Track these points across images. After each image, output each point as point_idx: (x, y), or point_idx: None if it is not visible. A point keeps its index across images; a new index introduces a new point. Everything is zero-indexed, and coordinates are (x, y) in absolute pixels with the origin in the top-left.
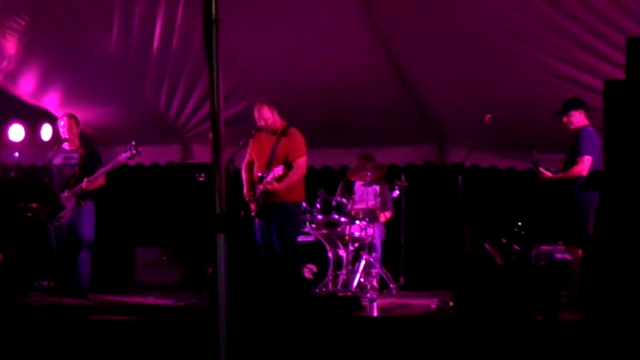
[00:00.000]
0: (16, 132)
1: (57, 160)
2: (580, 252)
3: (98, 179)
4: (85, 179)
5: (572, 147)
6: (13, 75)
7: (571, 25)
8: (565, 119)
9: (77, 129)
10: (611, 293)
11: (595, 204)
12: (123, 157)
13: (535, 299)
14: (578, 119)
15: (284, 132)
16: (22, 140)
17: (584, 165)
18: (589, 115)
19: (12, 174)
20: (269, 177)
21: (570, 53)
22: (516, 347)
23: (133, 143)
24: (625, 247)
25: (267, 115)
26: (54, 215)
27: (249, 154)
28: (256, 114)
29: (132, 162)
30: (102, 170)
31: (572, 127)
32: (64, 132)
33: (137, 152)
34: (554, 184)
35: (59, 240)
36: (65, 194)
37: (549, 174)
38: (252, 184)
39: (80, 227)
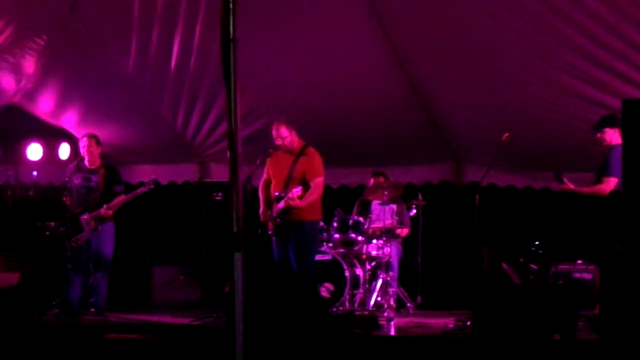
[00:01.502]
0: (34, 151)
1: (76, 180)
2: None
3: (118, 203)
4: (105, 206)
5: (602, 165)
6: (31, 94)
7: (589, 44)
8: (599, 135)
9: (98, 148)
10: (630, 313)
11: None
12: (140, 190)
13: (553, 318)
14: (612, 136)
15: (302, 152)
16: (41, 159)
17: (608, 185)
18: None
19: (31, 193)
20: (289, 196)
21: (588, 72)
22: None
23: (153, 178)
24: None
25: (285, 135)
26: (72, 236)
27: (267, 172)
28: (274, 133)
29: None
30: (121, 199)
31: (605, 144)
32: (84, 152)
33: (156, 189)
34: (579, 199)
35: (77, 259)
36: (85, 216)
37: (571, 185)
38: (269, 203)
39: (100, 248)
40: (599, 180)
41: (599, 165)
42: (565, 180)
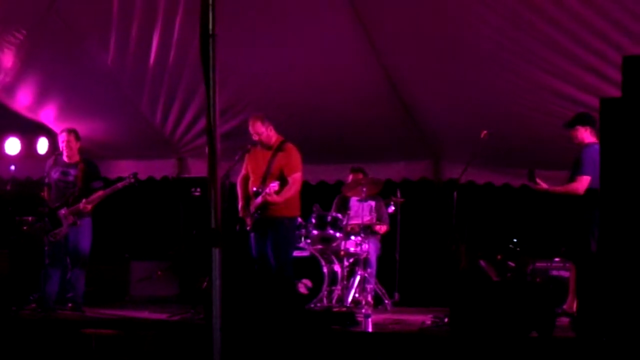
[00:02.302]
0: (12, 145)
1: (55, 175)
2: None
3: (97, 198)
4: (84, 200)
5: (575, 164)
6: (10, 88)
7: (568, 42)
8: (572, 132)
9: (77, 143)
10: (608, 311)
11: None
12: (121, 184)
13: (531, 315)
14: (583, 134)
15: (280, 147)
16: (18, 154)
17: (582, 184)
18: (597, 133)
19: (8, 187)
20: (266, 192)
21: (567, 70)
22: None
23: (133, 173)
24: (621, 264)
25: (261, 130)
26: (50, 231)
27: (245, 168)
28: (250, 129)
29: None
30: (100, 194)
31: (576, 141)
32: (63, 147)
33: (136, 183)
34: (554, 198)
35: (54, 254)
36: (63, 211)
37: (544, 185)
38: (247, 198)
39: (77, 243)
40: (572, 179)
41: (571, 164)
42: (537, 180)
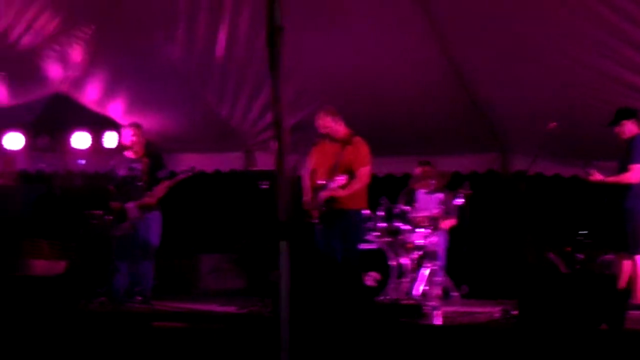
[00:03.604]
0: (81, 140)
1: (121, 170)
2: (625, 262)
3: (161, 191)
4: (148, 194)
5: (626, 154)
6: (78, 83)
7: (638, 33)
8: (617, 129)
9: (142, 137)
10: None
11: None
12: (183, 175)
13: (600, 308)
14: (630, 128)
15: (348, 141)
16: (87, 148)
17: (635, 173)
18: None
19: (77, 181)
20: (333, 185)
21: (636, 61)
22: (580, 357)
23: (191, 167)
24: None
25: (329, 124)
26: (118, 225)
27: (312, 161)
28: (318, 122)
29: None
30: (162, 187)
31: (625, 136)
32: (128, 141)
33: (193, 173)
34: (606, 189)
35: (122, 247)
36: (130, 205)
37: (599, 176)
38: (315, 191)
39: (146, 236)
40: (624, 169)
41: (622, 155)
42: (591, 171)
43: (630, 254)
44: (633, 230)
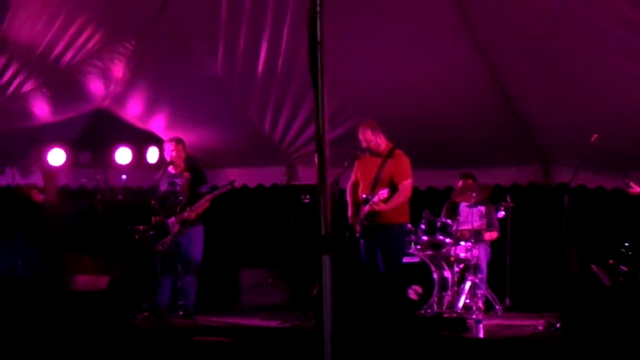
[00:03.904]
0: (123, 155)
1: (162, 185)
2: None
3: (201, 205)
4: (188, 209)
5: None
6: (120, 98)
7: None
8: None
9: (183, 152)
10: None
11: None
12: (218, 192)
13: None
14: None
15: (389, 154)
16: (130, 163)
17: None
18: None
19: (120, 197)
20: (375, 199)
21: None
22: None
23: (231, 181)
24: None
25: (370, 138)
26: (159, 240)
27: (354, 175)
28: (360, 136)
29: (237, 184)
30: (202, 202)
31: None
32: (169, 156)
33: (232, 188)
34: None
35: (165, 262)
36: (172, 219)
37: (638, 188)
38: (357, 205)
39: (188, 251)
40: None
41: None
42: (631, 184)
43: None
44: None
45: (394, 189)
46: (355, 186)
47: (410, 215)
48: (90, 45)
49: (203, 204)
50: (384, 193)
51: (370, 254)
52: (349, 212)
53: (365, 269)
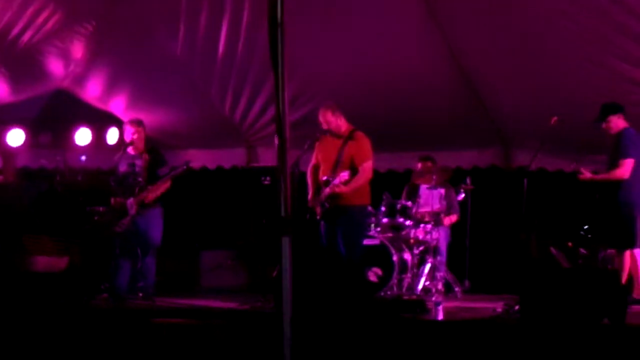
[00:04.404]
0: (83, 136)
1: (122, 166)
2: (625, 256)
3: (159, 188)
4: (147, 190)
5: (614, 150)
6: (80, 79)
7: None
8: (604, 125)
9: (143, 134)
10: None
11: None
12: (176, 172)
13: (602, 302)
14: (617, 122)
15: (350, 136)
16: (89, 144)
17: (626, 167)
18: (626, 118)
19: (79, 178)
20: (336, 181)
21: (636, 55)
22: (583, 352)
23: (185, 162)
24: None
25: (331, 120)
26: (118, 221)
27: (315, 157)
28: (320, 118)
29: (196, 166)
30: (160, 183)
31: (612, 132)
32: (130, 138)
33: (188, 170)
34: (598, 185)
35: (124, 244)
36: (130, 201)
37: (588, 174)
38: (318, 187)
39: (147, 232)
40: (615, 165)
41: (610, 151)
42: (582, 170)
43: (627, 248)
44: (628, 224)
45: (354, 171)
46: (316, 168)
47: (370, 197)
48: (49, 25)
49: (161, 186)
50: (344, 175)
51: (331, 236)
52: (310, 194)
53: (326, 251)
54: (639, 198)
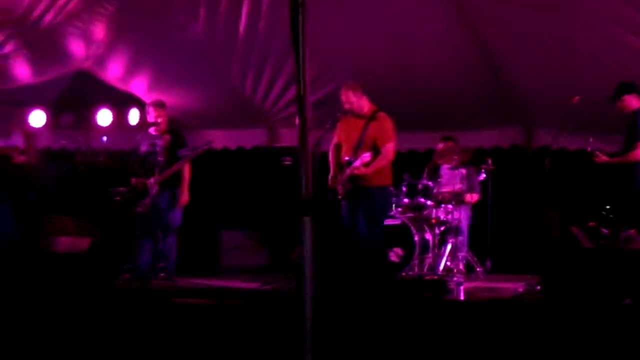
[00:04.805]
0: (104, 117)
1: (143, 147)
2: None
3: (179, 168)
4: (167, 171)
5: (630, 131)
6: (101, 60)
7: None
8: (619, 104)
9: (164, 114)
10: None
11: None
12: (198, 151)
13: (624, 282)
14: (632, 102)
15: (372, 117)
16: (110, 125)
17: None
18: None
19: (101, 158)
20: (357, 163)
21: None
22: (604, 331)
23: (207, 141)
24: None
25: (352, 99)
26: (139, 201)
27: (337, 136)
28: (342, 98)
29: (217, 146)
30: (180, 163)
31: (627, 111)
32: (150, 118)
33: (210, 148)
34: (614, 168)
35: (145, 224)
36: (151, 180)
37: (604, 157)
38: (339, 167)
39: (168, 213)
40: (629, 147)
41: (625, 131)
42: (597, 153)
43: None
44: None
45: (376, 152)
46: (338, 148)
47: (392, 177)
48: (71, 6)
49: (182, 166)
50: (366, 156)
51: (352, 216)
52: (331, 174)
53: (347, 231)
54: None
